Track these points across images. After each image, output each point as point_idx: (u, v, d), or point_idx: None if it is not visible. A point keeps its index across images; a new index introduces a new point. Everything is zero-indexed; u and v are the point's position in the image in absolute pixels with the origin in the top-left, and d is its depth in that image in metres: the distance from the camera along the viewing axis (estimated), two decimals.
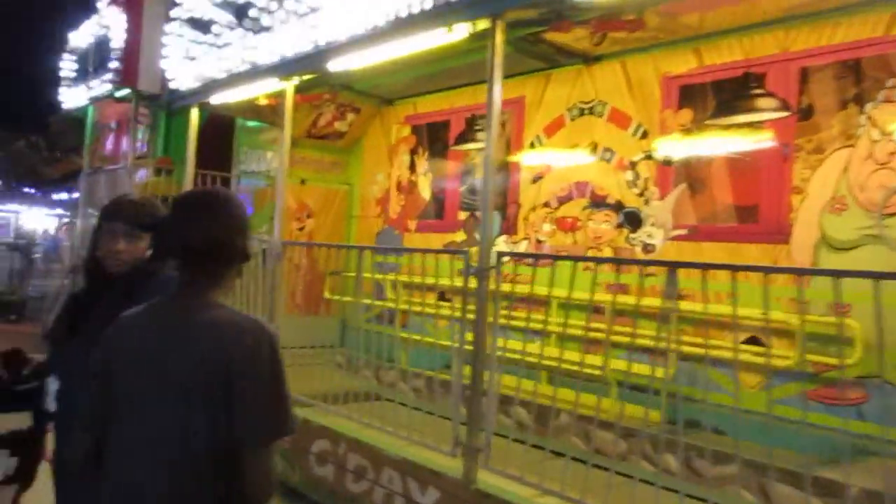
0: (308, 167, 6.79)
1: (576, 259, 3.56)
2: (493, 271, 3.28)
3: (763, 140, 4.07)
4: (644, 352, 3.55)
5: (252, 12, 4.81)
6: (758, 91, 4.11)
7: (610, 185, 4.87)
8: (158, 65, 6.48)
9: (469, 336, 3.44)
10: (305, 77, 4.84)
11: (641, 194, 4.69)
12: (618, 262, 3.87)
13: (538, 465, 3.10)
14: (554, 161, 5.25)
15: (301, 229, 6.75)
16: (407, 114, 6.56)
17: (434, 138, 6.31)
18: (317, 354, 5.59)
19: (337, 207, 7.02)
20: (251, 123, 7.33)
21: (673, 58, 4.53)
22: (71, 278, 8.91)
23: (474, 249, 3.55)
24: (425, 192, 6.34)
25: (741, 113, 4.15)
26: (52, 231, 18.77)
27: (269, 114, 6.46)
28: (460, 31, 3.63)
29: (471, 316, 3.41)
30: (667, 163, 4.55)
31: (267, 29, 4.74)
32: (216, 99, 5.57)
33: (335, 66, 4.37)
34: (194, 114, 5.96)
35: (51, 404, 2.07)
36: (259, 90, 5.23)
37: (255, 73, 4.93)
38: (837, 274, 2.31)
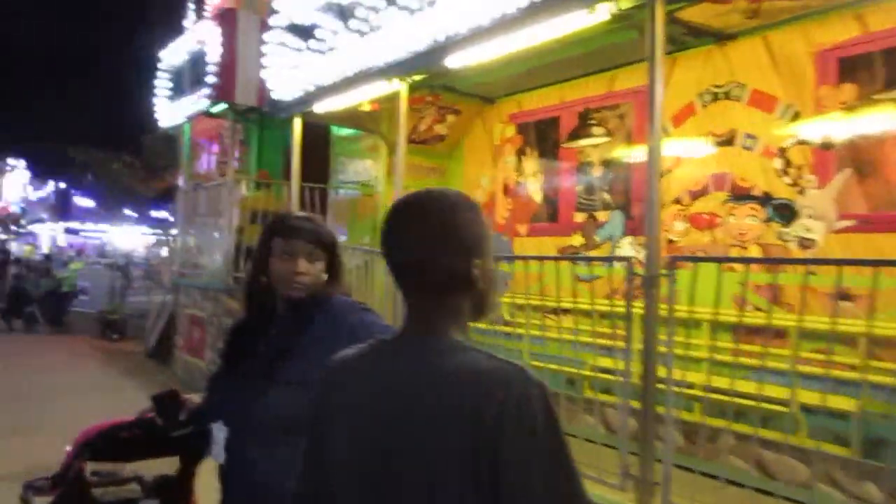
0: (406, 173, 6.53)
1: (774, 261, 3.11)
2: (664, 279, 2.87)
3: None
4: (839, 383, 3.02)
5: (359, 12, 4.58)
6: None
7: (755, 174, 4.40)
8: (255, 76, 6.38)
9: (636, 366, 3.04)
10: (417, 77, 4.57)
11: (795, 183, 4.20)
12: (819, 263, 3.33)
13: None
14: (684, 152, 4.82)
15: None
16: (511, 112, 6.21)
17: (543, 137, 5.94)
18: None
19: None
20: (346, 132, 7.16)
21: (829, 27, 4.04)
22: (171, 296, 9.00)
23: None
24: (536, 194, 5.97)
25: None
26: (148, 249, 19.32)
27: (368, 121, 6.26)
28: (602, 13, 3.27)
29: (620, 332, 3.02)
30: (826, 146, 4.05)
31: (376, 29, 4.50)
32: (320, 107, 5.36)
33: (454, 61, 4.07)
34: (297, 123, 5.76)
35: (219, 455, 1.78)
36: (369, 94, 4.97)
37: (367, 75, 4.65)
38: None
